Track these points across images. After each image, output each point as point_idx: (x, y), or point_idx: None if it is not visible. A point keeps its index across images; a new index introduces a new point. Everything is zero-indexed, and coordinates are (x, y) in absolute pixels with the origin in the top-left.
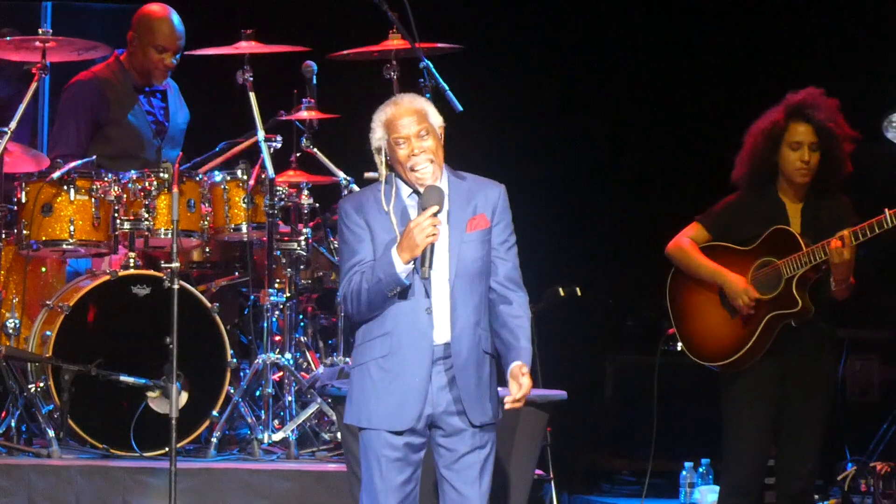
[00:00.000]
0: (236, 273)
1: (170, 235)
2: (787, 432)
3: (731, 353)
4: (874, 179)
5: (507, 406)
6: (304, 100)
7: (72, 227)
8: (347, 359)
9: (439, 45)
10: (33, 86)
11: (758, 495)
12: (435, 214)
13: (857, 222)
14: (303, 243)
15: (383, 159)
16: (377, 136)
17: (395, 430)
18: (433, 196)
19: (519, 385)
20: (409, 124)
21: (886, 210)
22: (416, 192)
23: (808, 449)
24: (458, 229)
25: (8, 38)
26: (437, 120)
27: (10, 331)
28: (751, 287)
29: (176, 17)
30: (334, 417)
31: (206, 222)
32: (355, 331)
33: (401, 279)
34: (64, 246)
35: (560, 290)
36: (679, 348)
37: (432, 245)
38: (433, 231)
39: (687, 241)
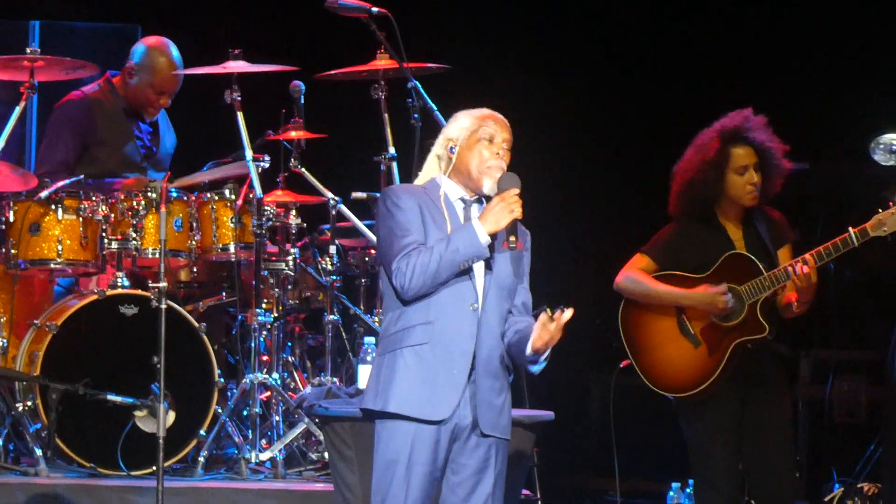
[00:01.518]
0: (224, 293)
1: (157, 255)
2: (757, 459)
3: (700, 382)
4: (862, 200)
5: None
6: (291, 119)
7: (59, 247)
8: (335, 378)
9: (427, 65)
10: (21, 105)
11: None
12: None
13: (794, 237)
14: (290, 263)
15: (457, 147)
16: (461, 126)
17: (428, 419)
18: (511, 180)
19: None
20: (505, 130)
21: (851, 228)
22: (480, 197)
23: (784, 470)
24: (495, 245)
25: None
26: None
27: None
28: (718, 286)
29: (177, 57)
30: (321, 437)
31: (193, 242)
32: (390, 318)
33: (483, 249)
34: (52, 265)
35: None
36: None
37: (515, 221)
38: (518, 208)
39: (637, 272)
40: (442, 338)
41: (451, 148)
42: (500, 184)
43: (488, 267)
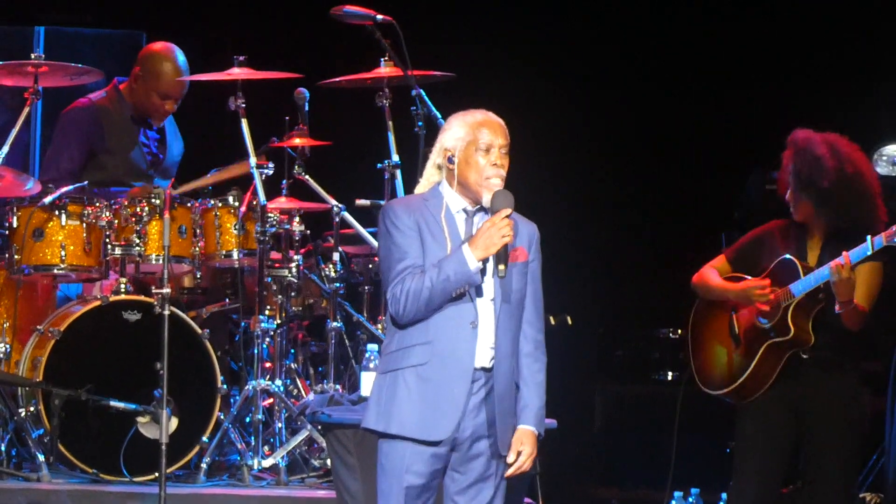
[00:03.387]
0: (227, 299)
1: (161, 261)
2: (810, 465)
3: (732, 381)
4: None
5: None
6: (296, 127)
7: (63, 252)
8: (337, 385)
9: (432, 72)
10: (25, 110)
11: None
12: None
13: (882, 261)
14: (294, 270)
15: (456, 158)
16: (456, 136)
17: (428, 439)
18: (504, 199)
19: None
20: (501, 135)
21: (869, 236)
22: (479, 205)
23: (833, 479)
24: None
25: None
26: None
27: (1, 355)
28: (761, 280)
29: (183, 62)
30: (324, 444)
31: (197, 248)
32: (391, 336)
33: (473, 276)
34: (55, 271)
35: (551, 318)
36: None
37: (506, 246)
38: (509, 231)
39: (707, 269)
40: (442, 357)
41: (450, 158)
42: (492, 203)
43: (495, 286)
